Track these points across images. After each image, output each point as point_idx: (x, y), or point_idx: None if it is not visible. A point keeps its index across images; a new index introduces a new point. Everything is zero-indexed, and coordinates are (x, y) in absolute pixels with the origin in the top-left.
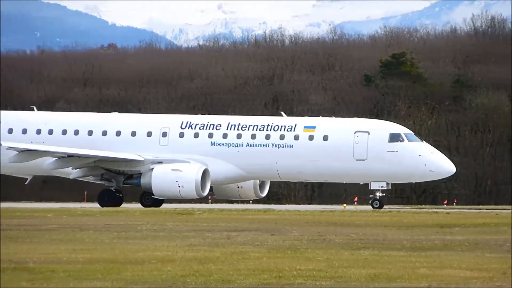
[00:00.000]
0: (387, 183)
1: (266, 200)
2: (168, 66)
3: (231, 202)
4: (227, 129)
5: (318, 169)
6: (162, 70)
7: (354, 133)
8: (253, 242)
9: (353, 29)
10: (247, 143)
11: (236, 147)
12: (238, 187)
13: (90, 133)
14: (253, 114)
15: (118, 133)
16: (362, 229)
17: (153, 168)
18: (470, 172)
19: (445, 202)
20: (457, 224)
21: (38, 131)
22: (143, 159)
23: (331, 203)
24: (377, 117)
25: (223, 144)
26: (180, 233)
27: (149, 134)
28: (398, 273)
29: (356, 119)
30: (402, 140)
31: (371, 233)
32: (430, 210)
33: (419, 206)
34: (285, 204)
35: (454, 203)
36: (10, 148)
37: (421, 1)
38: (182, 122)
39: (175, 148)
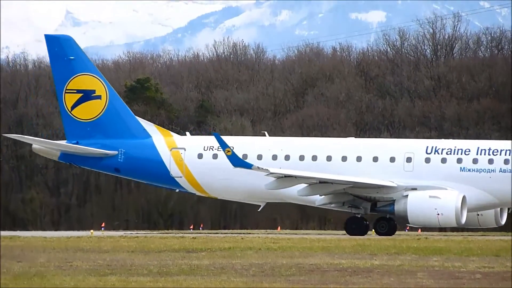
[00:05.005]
0: None
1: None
2: None
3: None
4: (477, 154)
5: None
6: None
7: None
8: None
9: (97, 53)
10: (500, 168)
11: (488, 172)
12: (478, 214)
13: (329, 158)
14: None
15: (359, 159)
16: (109, 254)
17: (407, 195)
18: None
19: (192, 226)
20: (203, 249)
21: (274, 157)
22: (396, 185)
23: (79, 229)
24: None
25: (473, 170)
26: None
27: (392, 159)
28: None
29: None
30: None
31: (118, 259)
32: (177, 234)
33: (167, 230)
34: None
35: (201, 228)
36: (270, 174)
37: (164, 27)
38: (427, 147)
39: (420, 174)
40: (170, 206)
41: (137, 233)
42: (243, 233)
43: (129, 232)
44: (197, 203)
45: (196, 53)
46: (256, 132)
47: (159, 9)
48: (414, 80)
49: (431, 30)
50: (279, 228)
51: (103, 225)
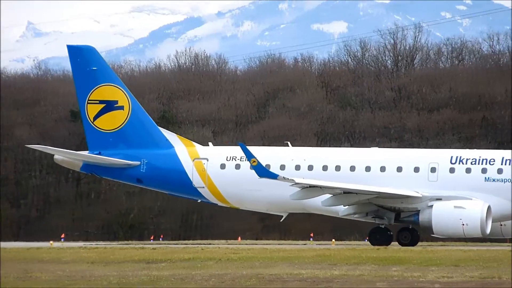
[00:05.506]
0: None
1: None
2: None
3: None
4: (501, 164)
5: None
6: None
7: None
8: None
9: (58, 64)
10: None
11: None
12: (501, 224)
13: (352, 168)
14: None
15: (383, 169)
16: (69, 265)
17: (431, 205)
18: (177, 207)
19: (152, 237)
20: (163, 260)
21: (297, 167)
22: (421, 195)
23: (39, 241)
24: None
25: (498, 180)
26: None
27: (416, 169)
28: None
29: None
30: None
31: (78, 270)
32: (137, 245)
33: (127, 241)
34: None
35: (161, 238)
36: (295, 184)
37: (126, 38)
38: (452, 157)
39: (445, 184)
40: (131, 217)
41: (97, 244)
42: (204, 244)
43: (89, 243)
44: (157, 215)
45: (158, 64)
46: (218, 143)
47: (121, 20)
48: (375, 91)
49: (392, 41)
50: (239, 238)
51: (62, 236)
